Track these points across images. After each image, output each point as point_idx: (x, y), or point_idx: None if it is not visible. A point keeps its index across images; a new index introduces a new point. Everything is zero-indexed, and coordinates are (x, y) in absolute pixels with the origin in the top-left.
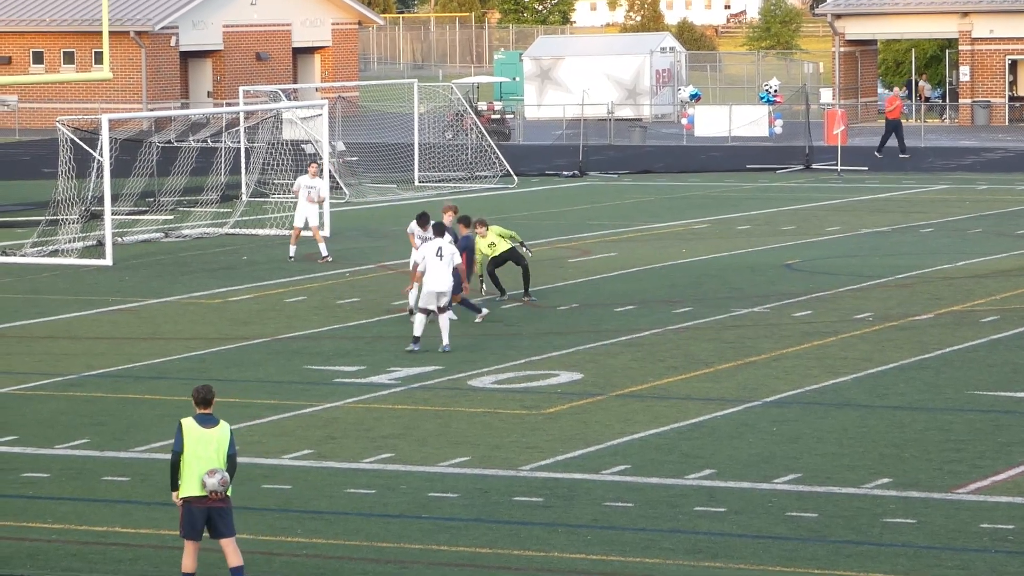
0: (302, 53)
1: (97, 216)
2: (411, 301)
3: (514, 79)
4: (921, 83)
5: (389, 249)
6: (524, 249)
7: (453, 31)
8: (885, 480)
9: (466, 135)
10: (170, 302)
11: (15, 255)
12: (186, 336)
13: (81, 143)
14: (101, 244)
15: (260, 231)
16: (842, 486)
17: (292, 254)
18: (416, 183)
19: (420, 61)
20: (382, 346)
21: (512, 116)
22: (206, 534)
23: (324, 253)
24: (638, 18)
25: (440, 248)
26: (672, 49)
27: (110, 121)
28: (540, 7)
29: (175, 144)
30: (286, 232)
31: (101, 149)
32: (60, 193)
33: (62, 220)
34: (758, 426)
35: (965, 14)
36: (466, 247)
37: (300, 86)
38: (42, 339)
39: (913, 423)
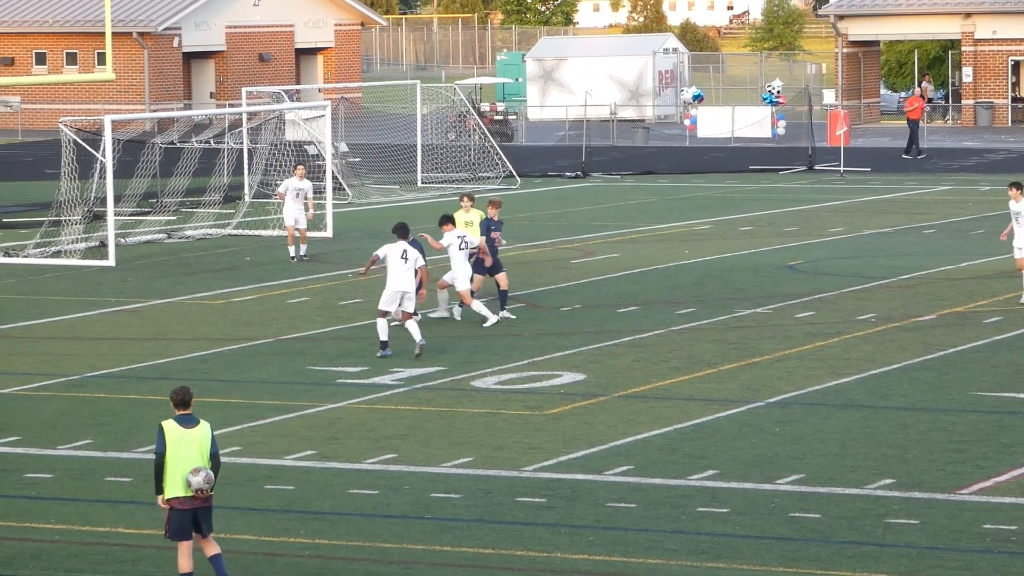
0: (305, 54)
1: (100, 217)
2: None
3: (517, 80)
4: (924, 84)
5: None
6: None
7: (456, 32)
8: (888, 481)
9: (469, 136)
10: (173, 303)
11: (18, 256)
12: (189, 337)
13: (84, 144)
14: (104, 245)
15: (263, 232)
16: (845, 487)
17: (292, 254)
18: (419, 184)
19: (423, 62)
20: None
21: (515, 117)
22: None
23: (302, 253)
24: (641, 19)
25: (404, 251)
26: (675, 50)
27: (113, 122)
28: (543, 8)
29: (178, 145)
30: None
31: (104, 150)
32: (63, 194)
33: (65, 221)
34: (761, 427)
35: (968, 15)
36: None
37: (303, 87)
38: (45, 340)
39: (916, 424)
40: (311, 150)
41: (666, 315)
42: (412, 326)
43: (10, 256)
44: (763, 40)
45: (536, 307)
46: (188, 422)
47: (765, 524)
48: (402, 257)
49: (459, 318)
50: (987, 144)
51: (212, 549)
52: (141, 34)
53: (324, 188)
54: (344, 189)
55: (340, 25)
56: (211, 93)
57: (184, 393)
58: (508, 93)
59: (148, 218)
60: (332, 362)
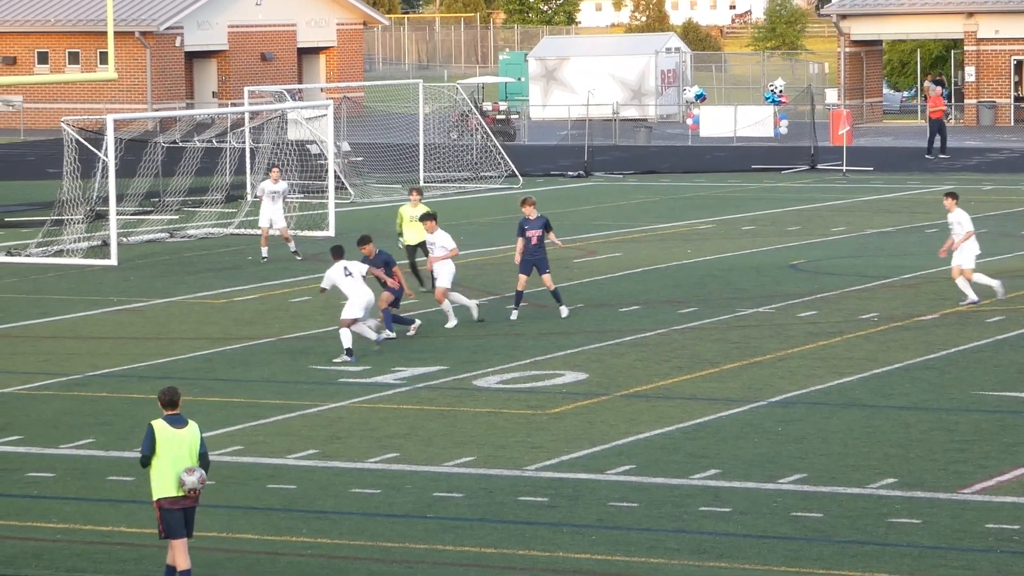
0: (307, 53)
1: (102, 216)
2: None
3: (519, 79)
4: (926, 84)
5: (394, 250)
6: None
7: (458, 31)
8: (890, 480)
9: (471, 135)
10: (175, 302)
11: (20, 255)
12: (191, 336)
13: (86, 143)
14: (106, 244)
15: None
16: (847, 486)
17: (265, 255)
18: (421, 183)
19: (425, 61)
20: (387, 346)
21: (517, 116)
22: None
23: (292, 249)
24: (643, 18)
25: (345, 267)
26: (677, 49)
27: (115, 121)
28: (545, 7)
29: (180, 144)
30: (289, 232)
31: (106, 149)
32: (65, 193)
33: (67, 220)
34: (763, 426)
35: (970, 15)
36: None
37: (305, 86)
38: (47, 339)
39: (918, 423)
40: (313, 149)
41: (668, 314)
42: (359, 328)
43: (12, 255)
44: (765, 39)
45: (538, 306)
46: (177, 422)
47: (767, 523)
48: (346, 275)
49: (478, 317)
50: (989, 143)
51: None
52: (143, 33)
53: (327, 187)
54: (346, 188)
55: (342, 24)
56: (213, 92)
57: (172, 393)
58: (510, 92)
59: (150, 217)
60: (334, 361)
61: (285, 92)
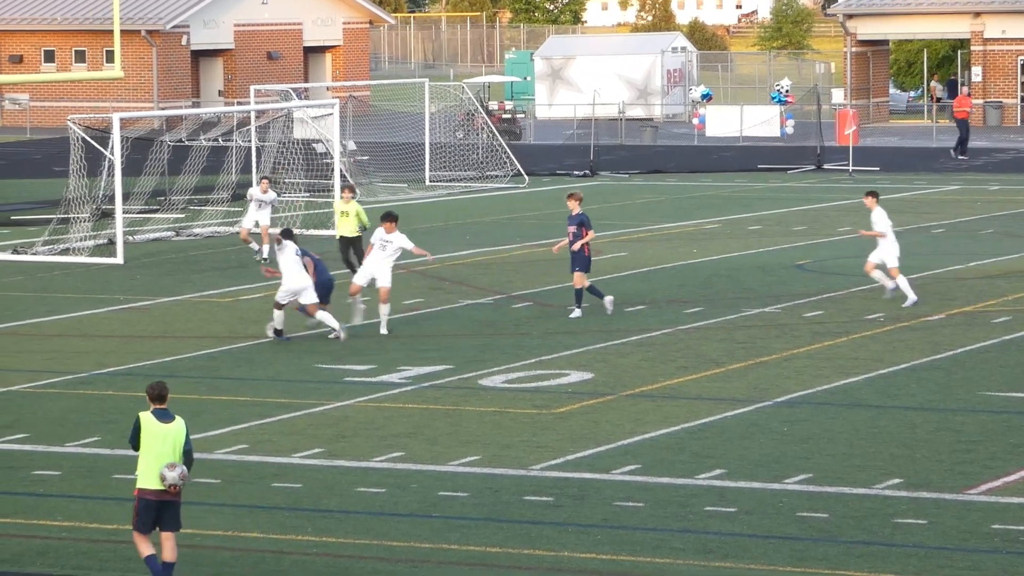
0: (313, 52)
1: (108, 214)
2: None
3: (525, 79)
4: (933, 84)
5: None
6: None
7: (464, 30)
8: (896, 481)
9: (477, 135)
10: (181, 300)
11: (26, 253)
12: (197, 334)
13: (92, 142)
14: (112, 242)
15: (271, 230)
16: (853, 486)
17: (261, 254)
18: (427, 183)
19: (431, 60)
20: (392, 345)
21: (523, 116)
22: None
23: (265, 255)
24: (649, 18)
25: (296, 250)
26: (683, 49)
27: (121, 120)
28: (551, 7)
29: (186, 143)
30: (296, 231)
31: (112, 148)
32: (71, 191)
33: (73, 218)
34: (769, 426)
35: (977, 14)
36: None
37: (311, 85)
38: (53, 337)
39: (924, 424)
40: (319, 148)
41: (674, 314)
42: (322, 315)
43: (19, 253)
44: (772, 39)
45: (543, 306)
46: (164, 417)
47: (773, 523)
48: (296, 255)
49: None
50: (996, 143)
51: (168, 554)
52: (149, 32)
53: (332, 186)
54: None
55: (348, 23)
56: (219, 91)
57: (160, 388)
58: (516, 92)
59: (156, 216)
60: (340, 360)
61: (291, 91)
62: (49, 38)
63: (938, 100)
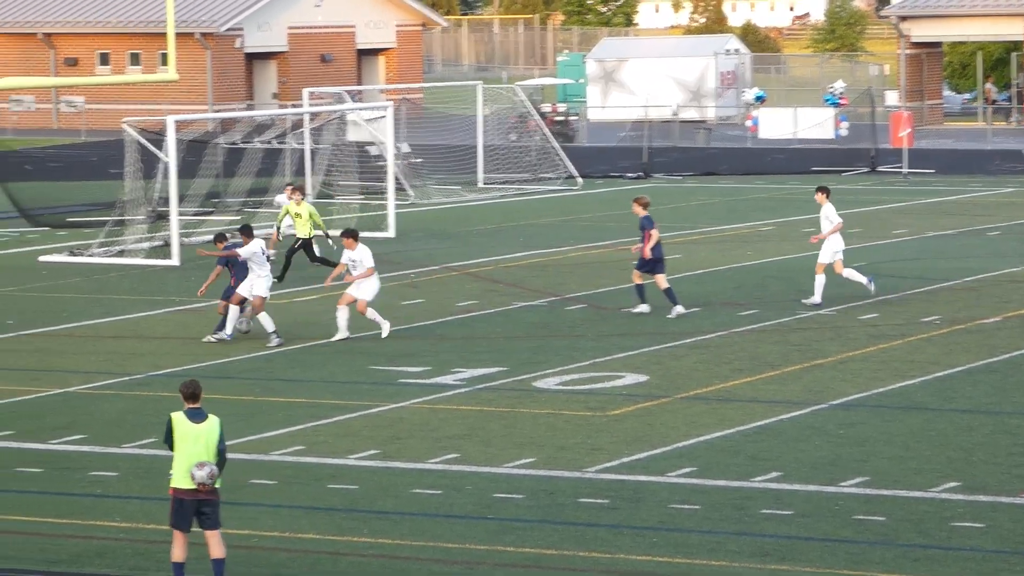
0: (366, 55)
1: (163, 217)
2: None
3: (578, 81)
4: (987, 86)
5: (454, 251)
6: (330, 241)
7: (517, 33)
8: (953, 484)
9: (530, 137)
10: None
11: (83, 255)
12: (251, 336)
13: (147, 144)
14: (167, 244)
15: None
16: (909, 490)
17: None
18: (480, 185)
19: (484, 63)
20: (446, 347)
21: (576, 118)
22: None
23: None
24: (702, 20)
25: (262, 248)
26: (736, 51)
27: (176, 122)
28: (604, 9)
29: (240, 145)
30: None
31: (167, 150)
32: (127, 194)
33: (129, 220)
34: (825, 429)
35: None
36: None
37: (364, 88)
38: (109, 339)
39: (981, 427)
40: (373, 151)
41: (728, 316)
42: (263, 318)
43: (75, 255)
44: (825, 41)
45: (598, 308)
46: (196, 416)
47: (829, 526)
48: (263, 253)
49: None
50: None
51: (216, 551)
52: (204, 35)
53: (386, 189)
54: (406, 190)
55: (401, 26)
56: (273, 94)
57: (193, 387)
58: (569, 94)
59: (211, 218)
60: (394, 362)
61: (345, 93)
62: (104, 41)
63: (993, 102)
